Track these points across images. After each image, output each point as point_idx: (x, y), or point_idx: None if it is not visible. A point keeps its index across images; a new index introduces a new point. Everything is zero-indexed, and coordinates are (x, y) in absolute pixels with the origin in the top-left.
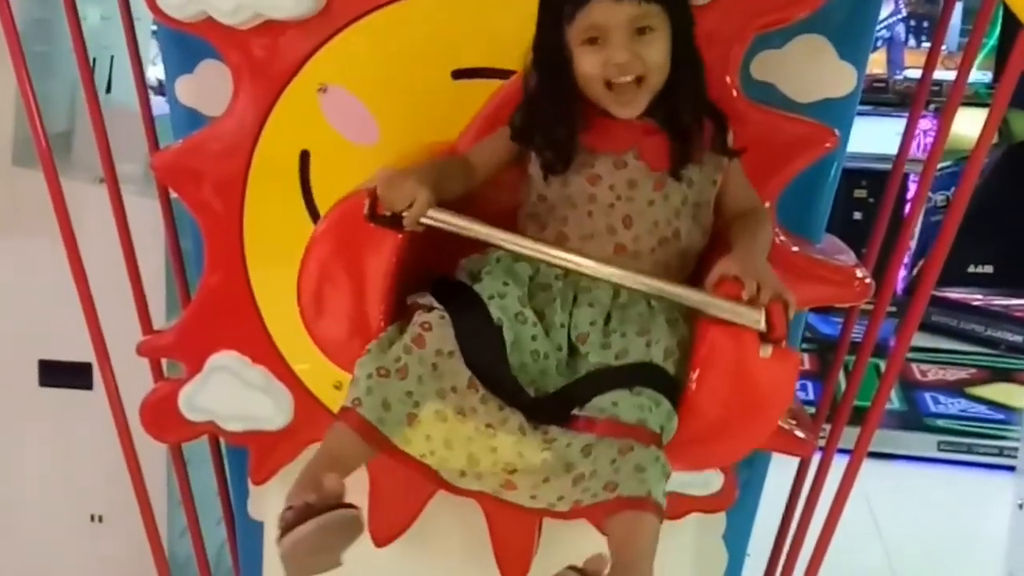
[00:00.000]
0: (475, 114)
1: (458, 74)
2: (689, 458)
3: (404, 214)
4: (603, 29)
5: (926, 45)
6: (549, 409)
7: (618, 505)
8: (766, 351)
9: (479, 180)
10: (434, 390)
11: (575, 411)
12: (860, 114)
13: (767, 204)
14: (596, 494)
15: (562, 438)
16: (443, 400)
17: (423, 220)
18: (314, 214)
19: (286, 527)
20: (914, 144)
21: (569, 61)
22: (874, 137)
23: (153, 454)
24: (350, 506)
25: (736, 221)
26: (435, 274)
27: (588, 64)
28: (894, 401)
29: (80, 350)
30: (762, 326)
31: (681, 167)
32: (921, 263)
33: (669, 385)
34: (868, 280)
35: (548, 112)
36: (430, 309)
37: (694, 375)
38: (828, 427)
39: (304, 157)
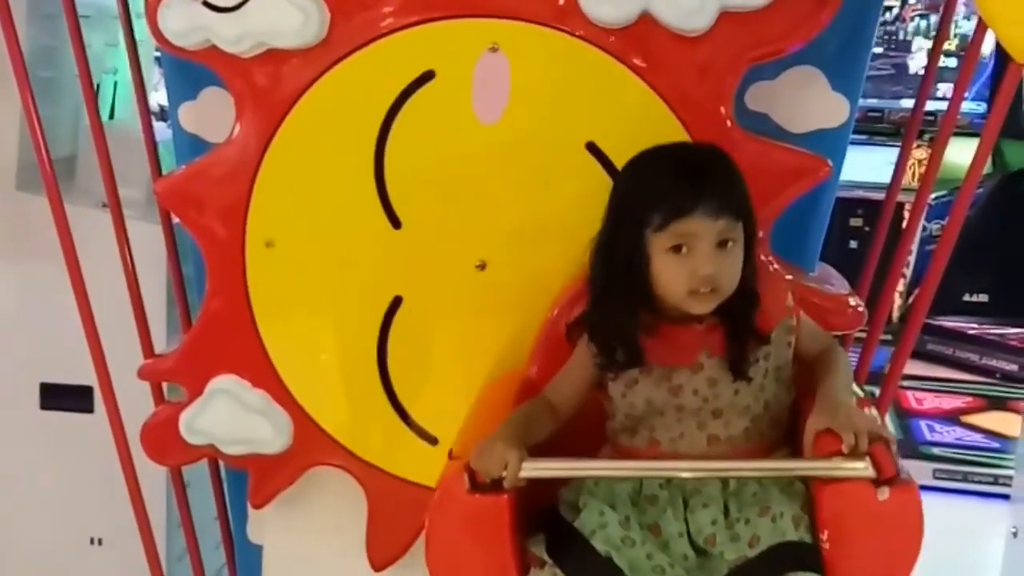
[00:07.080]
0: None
1: None
2: None
3: (503, 476)
4: (693, 239)
5: None
6: None
7: None
8: (883, 494)
9: (565, 417)
10: None
11: None
12: (855, 143)
13: (760, 234)
14: None
15: None
16: None
17: (521, 476)
18: None
19: None
20: (910, 173)
21: (645, 265)
22: (869, 166)
23: (153, 477)
24: None
25: (813, 365)
26: (543, 503)
27: (674, 272)
28: (889, 429)
29: (81, 373)
30: (871, 472)
31: (753, 360)
32: (916, 292)
33: (811, 552)
34: (861, 308)
35: (618, 312)
36: (542, 564)
37: (824, 536)
38: None
39: None
